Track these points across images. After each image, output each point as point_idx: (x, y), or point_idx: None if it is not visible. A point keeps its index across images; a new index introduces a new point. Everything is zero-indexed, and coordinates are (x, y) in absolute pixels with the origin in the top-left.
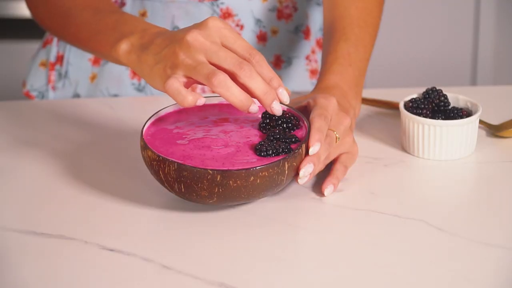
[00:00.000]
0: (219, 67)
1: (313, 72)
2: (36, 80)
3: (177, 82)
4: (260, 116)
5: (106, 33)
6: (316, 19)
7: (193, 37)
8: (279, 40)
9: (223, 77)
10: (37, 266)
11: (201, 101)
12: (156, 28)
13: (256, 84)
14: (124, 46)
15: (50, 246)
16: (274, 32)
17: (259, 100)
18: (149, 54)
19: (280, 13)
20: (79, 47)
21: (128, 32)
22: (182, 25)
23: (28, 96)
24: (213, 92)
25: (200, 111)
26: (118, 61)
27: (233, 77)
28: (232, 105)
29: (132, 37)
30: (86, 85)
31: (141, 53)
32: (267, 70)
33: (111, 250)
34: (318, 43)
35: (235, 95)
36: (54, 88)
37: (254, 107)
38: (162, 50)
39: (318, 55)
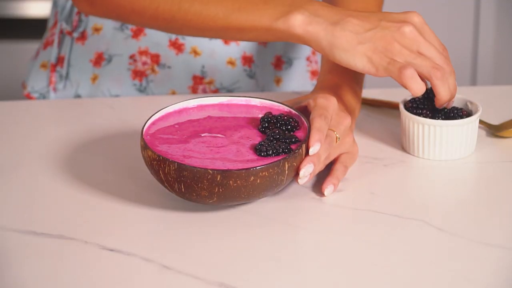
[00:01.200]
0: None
1: (314, 73)
2: (37, 81)
3: (413, 70)
4: (259, 116)
5: (258, 7)
6: None
7: (409, 30)
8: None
9: (443, 73)
10: (37, 266)
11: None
12: (322, 3)
13: (451, 84)
14: (300, 17)
15: (50, 246)
16: None
17: (438, 97)
18: (346, 31)
19: None
20: (190, 26)
21: (298, 5)
22: None
23: (29, 98)
24: (430, 82)
25: (201, 111)
26: (279, 33)
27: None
28: (440, 97)
29: (306, 10)
30: (87, 86)
31: (333, 28)
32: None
33: (111, 250)
34: None
35: (450, 90)
36: (55, 89)
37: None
38: (366, 32)
39: (319, 56)
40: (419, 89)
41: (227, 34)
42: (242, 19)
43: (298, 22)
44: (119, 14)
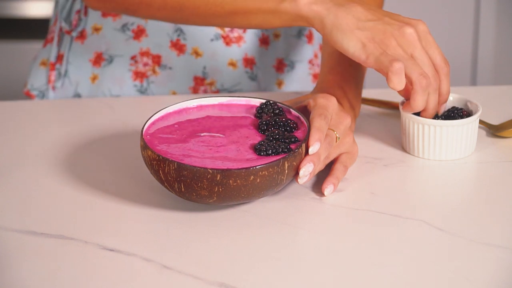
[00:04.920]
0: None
1: (316, 76)
2: (37, 79)
3: (403, 66)
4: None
5: None
6: None
7: (410, 32)
8: (282, 44)
9: (429, 84)
10: (37, 266)
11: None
12: None
13: (432, 101)
14: None
15: (50, 246)
16: (277, 36)
17: (425, 109)
18: (349, 14)
19: None
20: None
21: None
22: (185, 29)
23: (28, 95)
24: (411, 89)
25: (200, 111)
26: (285, 15)
27: None
28: (413, 105)
29: None
30: (87, 86)
31: (337, 9)
32: (447, 85)
33: (111, 250)
34: (321, 47)
35: (426, 103)
36: (54, 88)
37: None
38: (368, 21)
39: (320, 59)
40: (399, 84)
41: (234, 20)
42: (248, 3)
43: (304, 1)
44: (127, 8)
